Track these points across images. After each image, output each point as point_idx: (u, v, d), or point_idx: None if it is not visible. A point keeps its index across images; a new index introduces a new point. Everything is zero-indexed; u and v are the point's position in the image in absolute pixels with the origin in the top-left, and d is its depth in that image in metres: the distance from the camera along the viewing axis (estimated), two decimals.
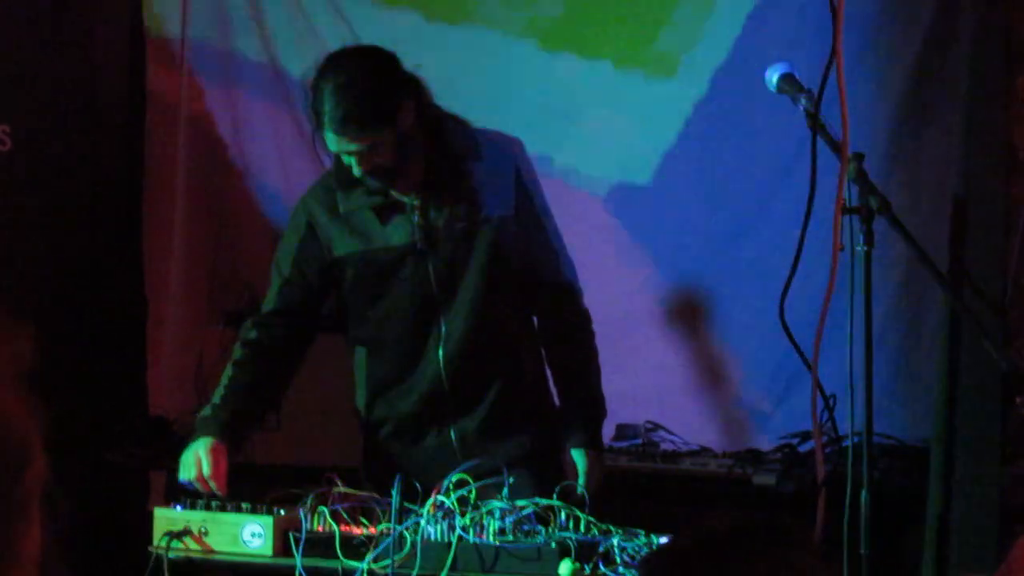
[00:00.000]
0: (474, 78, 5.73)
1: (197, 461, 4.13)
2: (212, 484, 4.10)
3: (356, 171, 4.17)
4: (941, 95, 5.35)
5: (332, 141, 4.14)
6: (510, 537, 3.76)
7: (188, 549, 3.95)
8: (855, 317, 3.73)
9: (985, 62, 4.94)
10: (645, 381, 5.70)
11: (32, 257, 5.83)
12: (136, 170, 6.20)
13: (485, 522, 3.77)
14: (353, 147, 4.13)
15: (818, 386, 3.86)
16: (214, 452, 4.15)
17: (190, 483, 4.14)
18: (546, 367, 4.47)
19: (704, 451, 5.52)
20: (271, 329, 4.36)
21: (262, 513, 3.93)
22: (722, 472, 5.30)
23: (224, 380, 4.31)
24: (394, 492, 3.82)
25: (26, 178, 5.81)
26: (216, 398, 4.28)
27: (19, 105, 5.80)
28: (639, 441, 5.51)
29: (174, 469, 4.22)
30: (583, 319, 4.45)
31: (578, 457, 4.33)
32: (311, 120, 4.17)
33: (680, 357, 5.71)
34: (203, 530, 3.95)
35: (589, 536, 3.80)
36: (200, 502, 4.01)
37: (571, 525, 3.82)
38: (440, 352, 4.29)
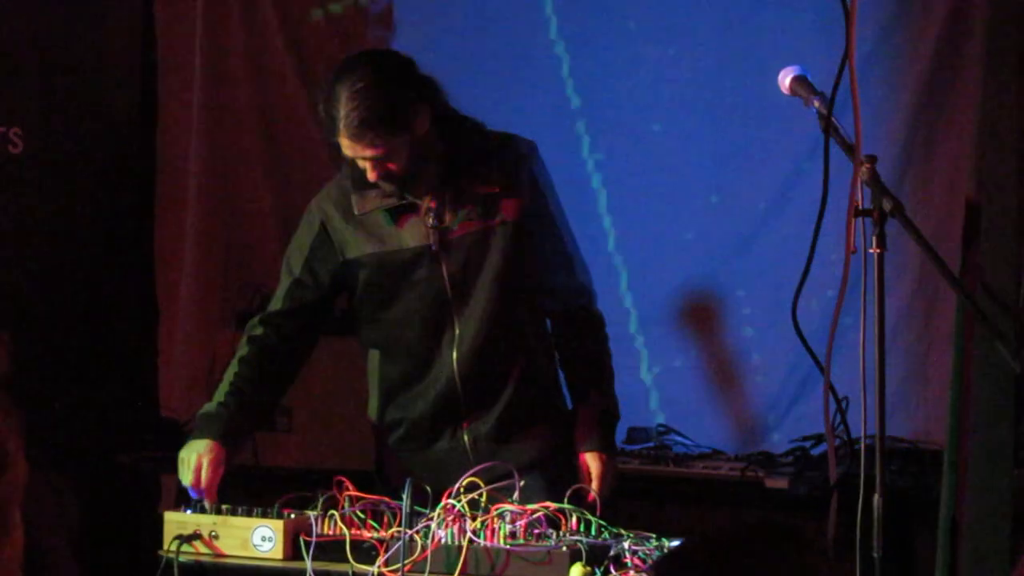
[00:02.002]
0: None
1: (198, 468, 4.12)
2: (205, 495, 4.10)
3: (370, 176, 4.16)
4: (954, 96, 5.35)
5: (347, 147, 4.13)
6: (521, 541, 3.75)
7: (198, 553, 3.95)
8: (868, 319, 3.71)
9: (999, 62, 4.93)
10: (657, 384, 5.70)
11: (43, 259, 5.84)
12: (148, 172, 6.20)
13: (496, 526, 3.76)
14: (368, 153, 4.12)
15: (831, 389, 3.84)
16: (214, 460, 4.13)
17: (186, 486, 4.14)
18: (559, 370, 4.45)
19: (716, 454, 5.52)
20: (278, 328, 4.35)
21: (272, 516, 3.93)
22: (734, 475, 5.29)
23: (229, 376, 4.29)
24: (404, 495, 3.81)
25: (38, 180, 5.82)
26: (220, 395, 4.26)
27: (30, 107, 5.81)
28: (651, 444, 5.50)
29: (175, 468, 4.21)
30: (597, 322, 4.44)
31: (591, 460, 4.32)
32: (325, 124, 4.15)
33: (692, 360, 5.70)
34: (213, 534, 3.94)
35: (600, 540, 3.79)
36: (210, 506, 4.01)
37: (582, 529, 3.81)
38: (454, 355, 4.28)
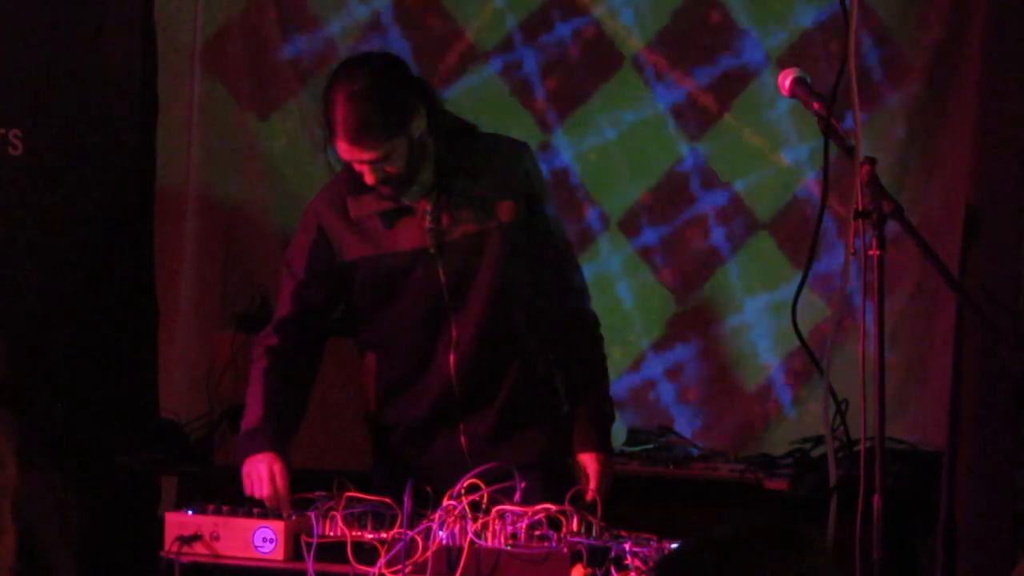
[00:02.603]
0: None
1: (270, 478, 4.13)
2: (281, 503, 4.11)
3: (368, 179, 4.16)
4: (954, 96, 5.35)
5: (344, 150, 4.13)
6: (521, 542, 3.75)
7: (199, 554, 3.95)
8: (867, 321, 3.71)
9: (999, 64, 4.93)
10: (656, 386, 5.70)
11: (43, 259, 5.83)
12: (148, 173, 6.19)
13: (497, 526, 3.76)
14: (365, 157, 4.12)
15: (830, 390, 3.84)
16: (282, 468, 4.15)
17: (259, 499, 4.14)
18: (555, 371, 4.45)
19: (716, 455, 5.52)
20: (291, 333, 4.34)
21: (273, 518, 3.93)
22: (734, 477, 5.29)
23: (259, 391, 4.27)
24: (405, 496, 3.82)
25: (37, 182, 5.81)
26: (258, 410, 4.26)
27: (31, 109, 5.81)
28: (651, 445, 5.50)
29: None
30: (592, 322, 4.44)
31: (587, 461, 4.32)
32: (323, 128, 4.15)
33: (692, 361, 5.70)
34: (214, 535, 3.94)
35: (601, 541, 3.79)
36: (211, 507, 4.01)
37: (582, 530, 3.81)
38: (451, 357, 4.28)
